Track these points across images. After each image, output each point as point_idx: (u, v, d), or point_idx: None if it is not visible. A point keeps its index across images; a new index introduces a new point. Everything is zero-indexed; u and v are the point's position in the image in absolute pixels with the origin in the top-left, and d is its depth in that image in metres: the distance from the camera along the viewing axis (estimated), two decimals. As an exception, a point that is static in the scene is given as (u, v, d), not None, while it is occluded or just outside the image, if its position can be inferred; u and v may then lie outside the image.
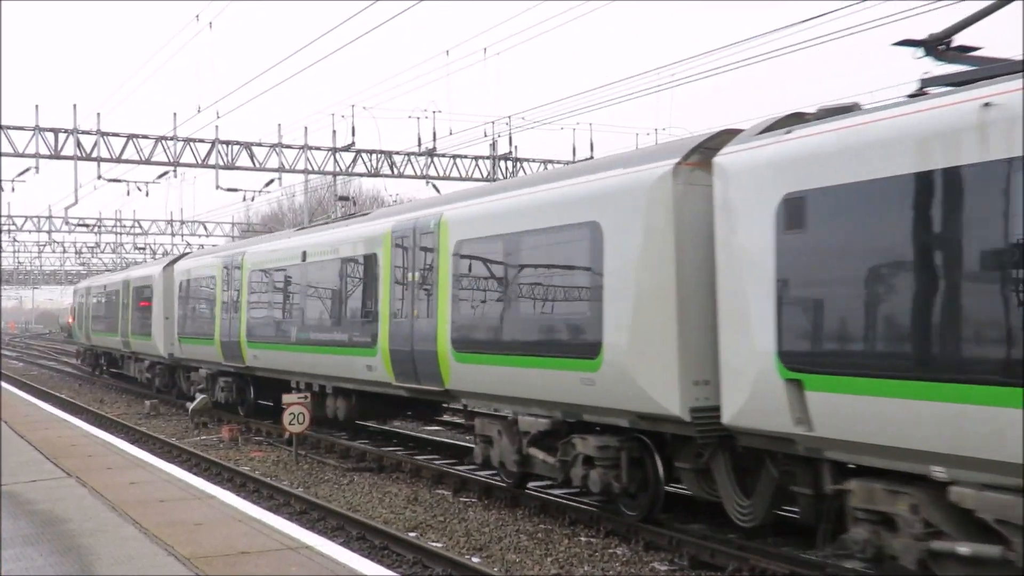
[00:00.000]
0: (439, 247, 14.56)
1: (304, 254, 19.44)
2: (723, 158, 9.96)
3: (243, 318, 22.49)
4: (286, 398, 18.96)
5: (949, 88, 8.43)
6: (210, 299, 24.81)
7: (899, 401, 8.08)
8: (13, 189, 35.96)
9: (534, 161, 36.66)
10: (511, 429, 13.43)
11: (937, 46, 9.16)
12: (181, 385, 29.20)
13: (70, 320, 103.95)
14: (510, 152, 35.57)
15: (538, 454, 12.92)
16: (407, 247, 15.55)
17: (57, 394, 33.16)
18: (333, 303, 18.21)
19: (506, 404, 13.52)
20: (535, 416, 12.82)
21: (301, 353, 19.39)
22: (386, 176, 35.36)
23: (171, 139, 31.57)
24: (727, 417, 9.77)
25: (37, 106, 29.70)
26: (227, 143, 32.42)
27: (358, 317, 17.06)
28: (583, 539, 11.96)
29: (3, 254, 70.23)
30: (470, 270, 13.92)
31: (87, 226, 59.70)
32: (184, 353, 27.31)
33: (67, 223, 56.44)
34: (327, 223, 20.57)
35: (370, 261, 16.80)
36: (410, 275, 15.36)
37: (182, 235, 60.54)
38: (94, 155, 30.72)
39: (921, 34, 9.25)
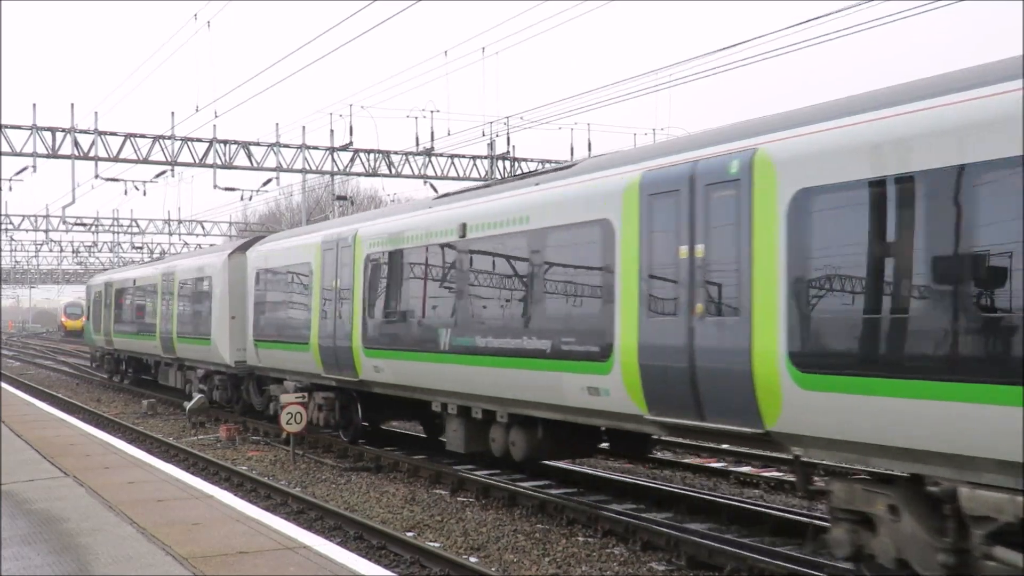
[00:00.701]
0: (753, 201, 9.47)
1: (463, 228, 14.13)
2: None
3: (357, 317, 17.05)
4: (283, 398, 18.91)
5: None
6: (303, 292, 19.51)
7: None
8: (11, 188, 36.27)
9: (532, 161, 36.70)
10: (926, 509, 8.19)
11: None
12: (251, 400, 23.73)
13: (63, 319, 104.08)
14: (508, 152, 35.63)
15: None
16: (673, 205, 10.43)
17: (54, 393, 33.12)
18: (520, 296, 12.93)
19: (909, 462, 8.16)
20: (1009, 492, 7.36)
21: (457, 366, 14.11)
22: (384, 176, 35.37)
23: (169, 138, 31.56)
24: None
25: (35, 105, 29.74)
26: (225, 142, 32.41)
27: (574, 315, 11.94)
28: (581, 539, 11.97)
29: (1, 253, 70.24)
30: (835, 235, 8.70)
31: (84, 225, 59.72)
32: (263, 360, 21.73)
33: (64, 222, 56.47)
34: (492, 184, 14.93)
35: (593, 231, 11.57)
36: (683, 248, 10.26)
37: (179, 234, 60.61)
38: (92, 154, 30.70)
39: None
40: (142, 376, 35.10)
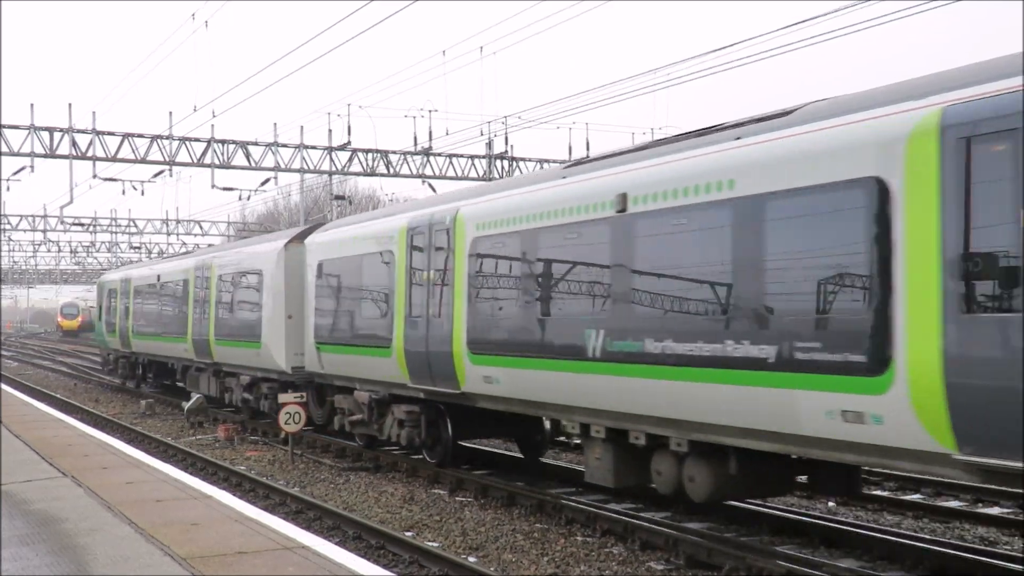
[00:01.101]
0: None
1: (623, 200, 11.11)
2: None
3: (459, 316, 14.14)
4: (282, 397, 18.83)
5: None
6: (382, 286, 16.48)
7: None
8: (8, 188, 36.05)
9: (531, 160, 36.73)
10: None
11: None
12: (311, 411, 20.41)
13: (60, 319, 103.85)
14: (506, 151, 35.66)
15: None
16: (1012, 149, 7.54)
17: (52, 393, 33.10)
18: (721, 286, 9.92)
19: None
20: None
21: (613, 377, 11.20)
22: (382, 175, 35.44)
23: (167, 138, 31.55)
24: None
25: (32, 105, 29.73)
26: (223, 142, 32.41)
27: (819, 311, 8.92)
28: (579, 538, 11.96)
29: (0, 253, 70.18)
30: None
31: (82, 225, 59.75)
32: (326, 367, 18.66)
33: (62, 222, 56.49)
34: (653, 146, 11.65)
35: (850, 195, 8.67)
36: None
37: (177, 234, 60.67)
38: (89, 154, 30.70)
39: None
40: (163, 382, 32.32)
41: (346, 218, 21.47)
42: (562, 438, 17.78)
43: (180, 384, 29.35)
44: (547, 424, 14.29)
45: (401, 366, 15.70)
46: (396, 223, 16.28)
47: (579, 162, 13.00)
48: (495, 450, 18.56)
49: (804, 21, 17.75)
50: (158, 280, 29.96)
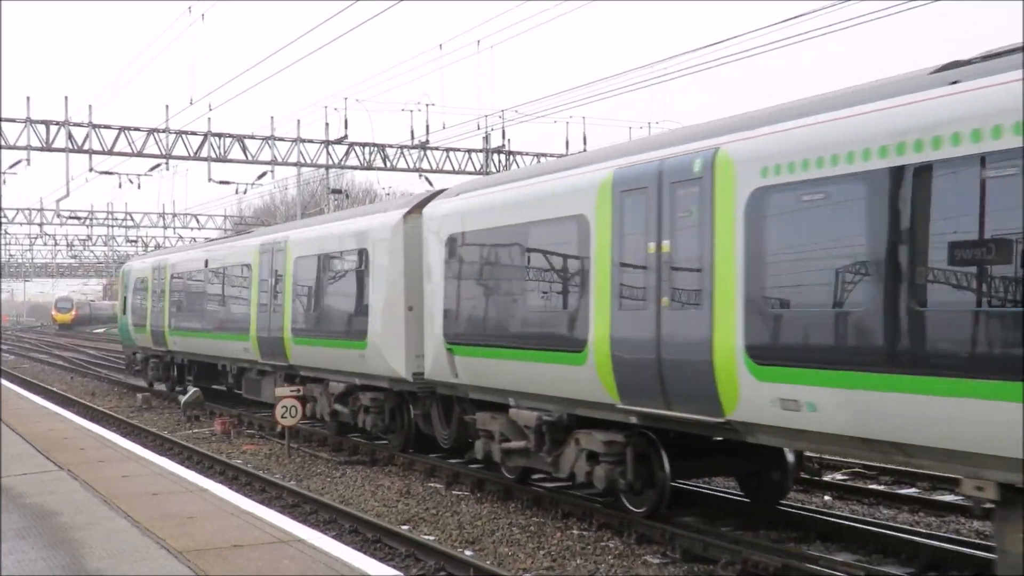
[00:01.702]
0: None
1: None
2: None
3: (725, 305, 9.71)
4: (278, 391, 18.78)
5: None
6: (561, 266, 12.26)
7: None
8: (5, 182, 36.00)
9: (528, 154, 36.73)
10: None
11: None
12: (432, 430, 16.42)
13: (54, 312, 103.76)
14: (503, 145, 35.66)
15: None
16: None
17: (49, 387, 33.08)
18: None
19: None
20: None
21: None
22: (379, 169, 35.47)
23: (163, 131, 31.55)
24: None
25: (28, 98, 29.73)
26: (219, 136, 32.42)
27: None
28: (575, 532, 11.97)
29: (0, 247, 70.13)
30: None
31: (79, 219, 59.82)
32: (463, 375, 14.14)
33: (58, 216, 56.56)
34: None
35: None
36: None
37: (174, 228, 60.70)
38: (86, 147, 30.69)
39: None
40: (204, 385, 26.47)
41: (482, 178, 16.96)
42: (805, 475, 13.50)
43: (244, 392, 23.64)
44: (790, 457, 11.41)
45: (604, 378, 11.31)
46: (590, 177, 11.74)
47: (954, 64, 8.38)
48: (721, 492, 13.91)
49: (797, 17, 17.79)
50: (206, 266, 25.10)
